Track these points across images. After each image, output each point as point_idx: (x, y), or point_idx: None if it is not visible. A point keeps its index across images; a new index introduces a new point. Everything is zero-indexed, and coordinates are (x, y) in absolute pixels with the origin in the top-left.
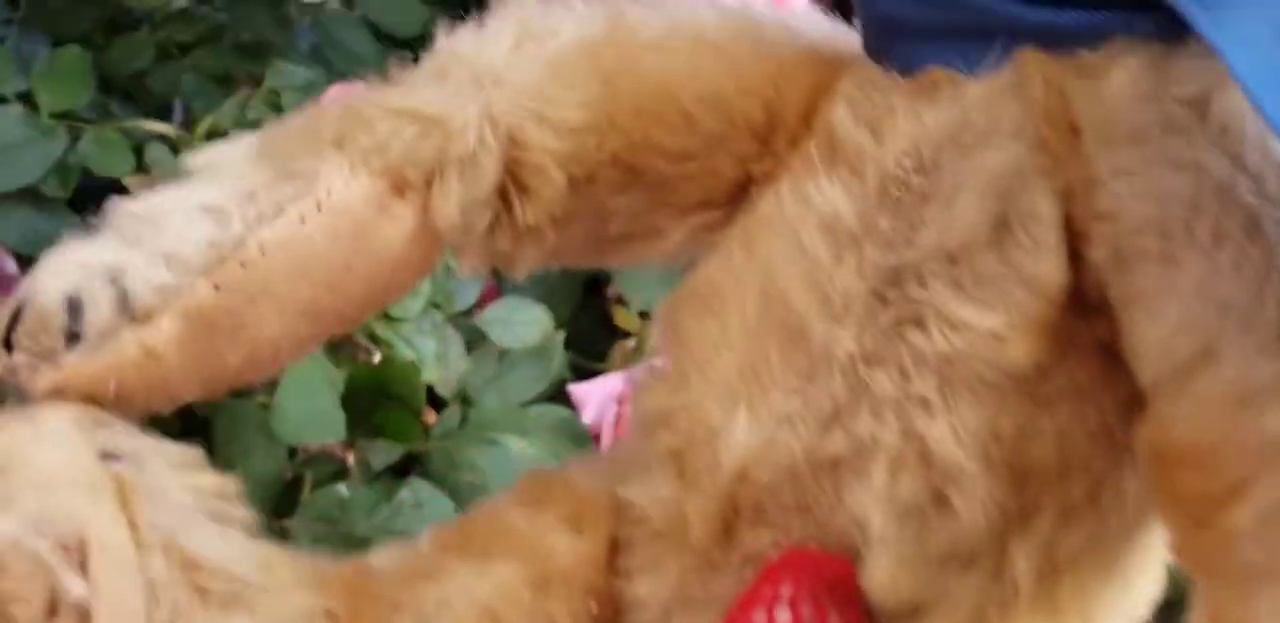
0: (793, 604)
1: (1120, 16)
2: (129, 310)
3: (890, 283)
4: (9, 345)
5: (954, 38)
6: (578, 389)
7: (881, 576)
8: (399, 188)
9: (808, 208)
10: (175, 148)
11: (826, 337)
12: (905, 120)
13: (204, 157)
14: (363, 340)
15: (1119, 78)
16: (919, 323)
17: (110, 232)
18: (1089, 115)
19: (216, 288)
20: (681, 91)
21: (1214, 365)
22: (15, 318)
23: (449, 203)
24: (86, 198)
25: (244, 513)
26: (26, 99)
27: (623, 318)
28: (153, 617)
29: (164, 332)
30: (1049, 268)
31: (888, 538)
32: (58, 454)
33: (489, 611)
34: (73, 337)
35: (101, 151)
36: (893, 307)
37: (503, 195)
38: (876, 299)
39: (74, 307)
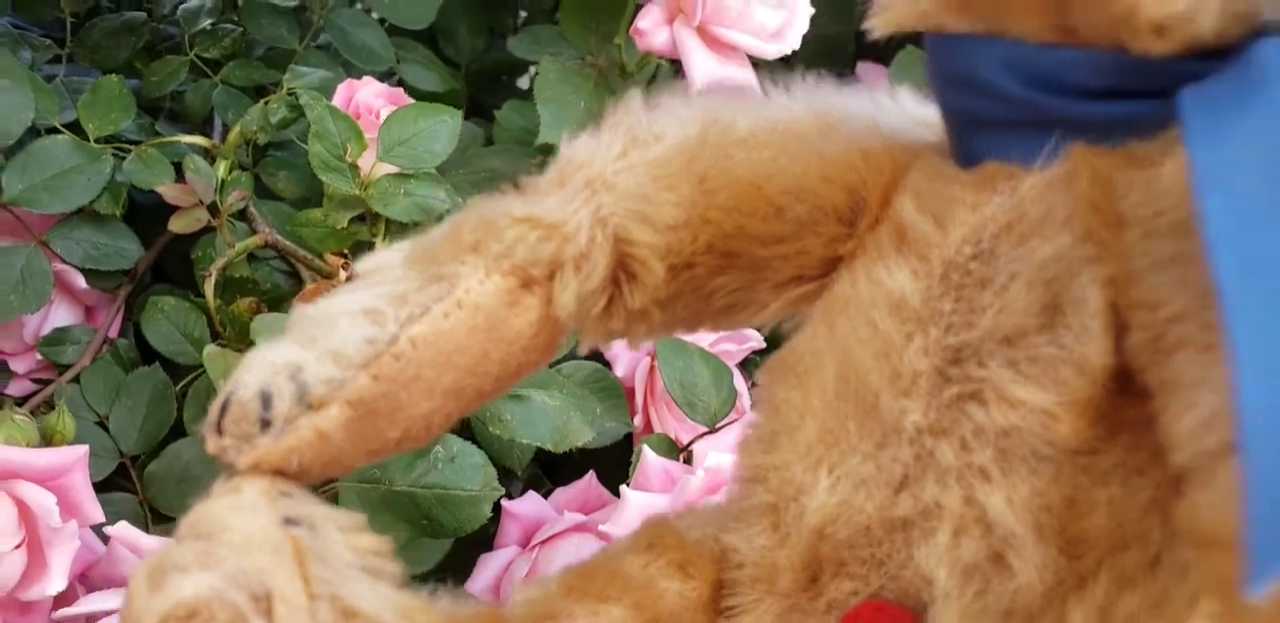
0: None
1: (1174, 106)
2: (306, 401)
3: (952, 362)
4: (220, 431)
5: (1013, 131)
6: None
7: None
8: (526, 284)
9: (879, 290)
10: (212, 158)
11: (896, 409)
12: (966, 210)
13: (368, 263)
14: None
15: (1170, 168)
16: (979, 399)
17: (292, 333)
18: (1136, 206)
19: (375, 378)
20: (769, 184)
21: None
22: (224, 409)
23: (567, 294)
24: (138, 211)
25: (394, 568)
26: (74, 128)
27: None
28: None
29: (333, 418)
30: (1095, 351)
31: (951, 593)
32: (251, 521)
33: None
34: (265, 424)
35: (144, 169)
36: (955, 384)
37: (615, 283)
38: (940, 376)
39: (265, 400)
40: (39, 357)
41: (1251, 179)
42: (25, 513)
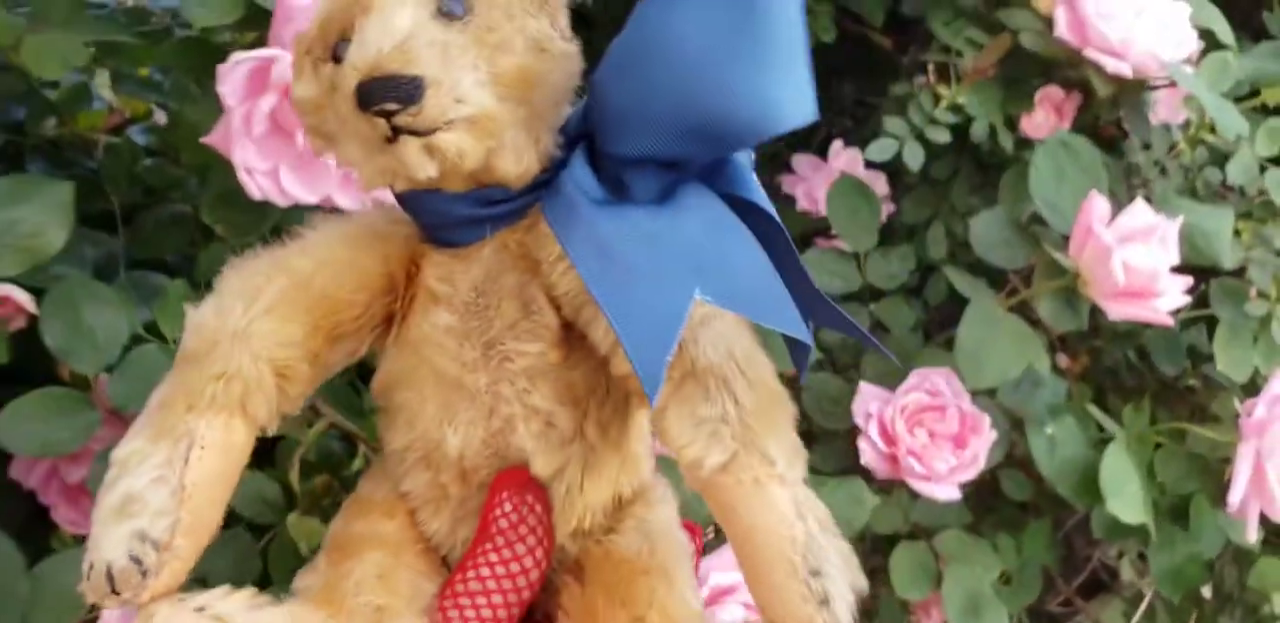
0: (508, 498)
1: (531, 196)
2: (160, 547)
3: (488, 347)
4: (116, 592)
5: (462, 227)
6: None
7: (539, 466)
8: (232, 414)
9: (435, 326)
10: None
11: (471, 381)
12: (461, 273)
13: (120, 452)
14: None
15: (546, 231)
16: (508, 359)
17: (112, 515)
18: (540, 250)
19: (187, 512)
20: (340, 291)
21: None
22: (110, 577)
23: (263, 411)
24: None
25: None
26: (151, 327)
27: None
28: None
29: (180, 547)
30: (551, 320)
31: (535, 450)
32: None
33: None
34: (144, 573)
35: None
36: (494, 357)
37: (280, 386)
38: (485, 356)
39: (137, 560)
40: None
41: (580, 233)
42: None
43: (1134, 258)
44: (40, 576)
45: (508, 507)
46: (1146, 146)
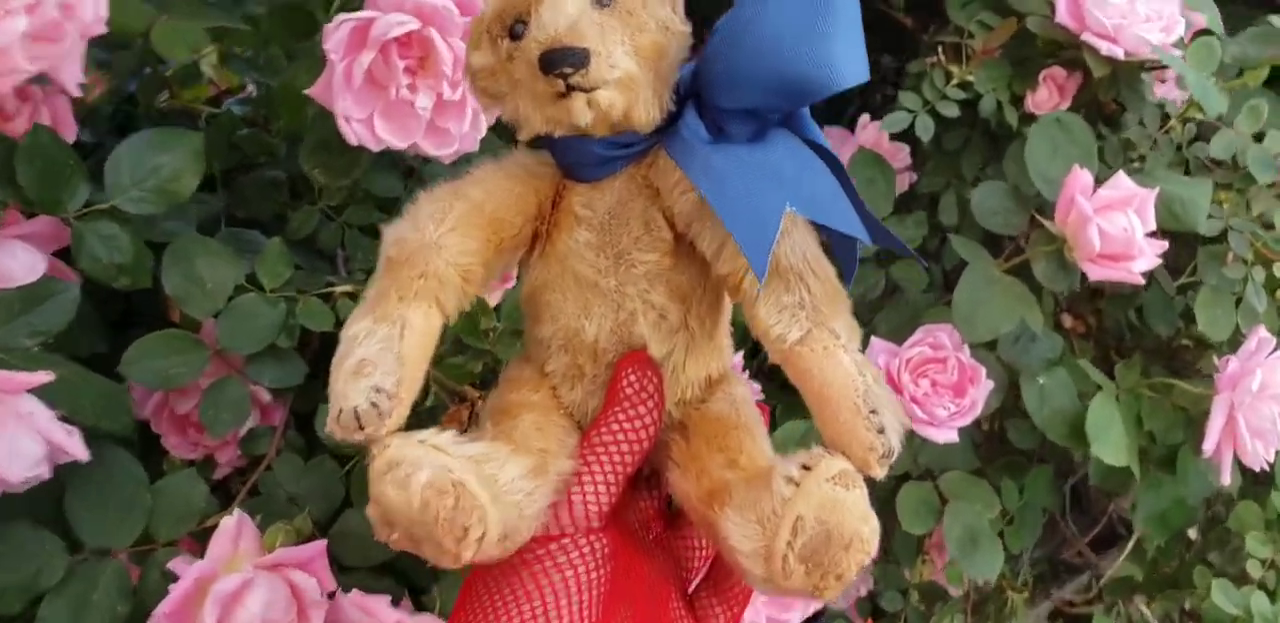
0: (633, 371)
1: (654, 140)
2: (389, 394)
3: (618, 257)
4: (361, 427)
5: (599, 165)
6: None
7: (654, 349)
8: (430, 305)
9: (577, 241)
10: (355, 298)
11: (604, 282)
12: (599, 200)
13: (350, 331)
14: None
15: (670, 163)
16: (632, 265)
17: (351, 372)
18: (661, 178)
19: (406, 373)
20: (504, 211)
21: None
22: (358, 417)
23: (451, 305)
24: (306, 342)
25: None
26: (251, 278)
27: None
28: None
29: (402, 399)
30: (666, 234)
31: (651, 336)
32: (415, 449)
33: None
34: (380, 414)
35: (309, 314)
36: (622, 264)
37: (463, 286)
38: (615, 264)
39: (374, 404)
40: (238, 452)
41: (697, 164)
42: (296, 591)
43: (1110, 225)
44: (160, 490)
45: (633, 378)
46: (1141, 124)
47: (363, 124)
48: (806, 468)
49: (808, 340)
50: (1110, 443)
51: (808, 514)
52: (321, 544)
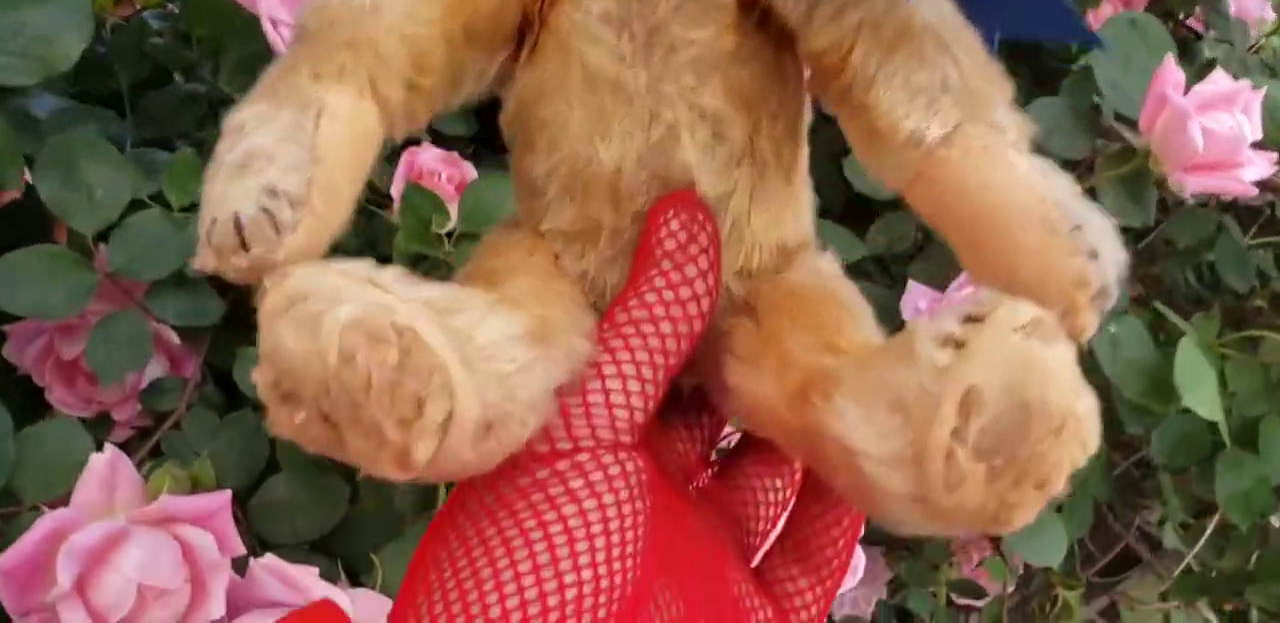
0: (676, 215)
1: None
2: (295, 202)
3: (650, 35)
4: (245, 248)
5: None
6: None
7: (705, 184)
8: (361, 92)
9: (588, 13)
10: None
11: (630, 77)
12: None
13: (236, 118)
14: None
15: None
16: (672, 48)
17: (240, 173)
18: None
19: (321, 173)
20: None
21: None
22: (239, 229)
23: (394, 96)
24: (226, 284)
25: None
26: (156, 198)
27: None
28: None
29: (316, 203)
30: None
31: (701, 165)
32: (329, 277)
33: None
34: (278, 228)
35: None
36: (657, 47)
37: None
38: (646, 48)
39: (267, 212)
40: (138, 407)
41: None
42: (188, 551)
43: (1214, 124)
44: (27, 438)
45: (675, 225)
46: (1228, 42)
47: (291, 28)
48: (974, 320)
49: (958, 138)
50: (1203, 394)
51: (988, 382)
52: (226, 495)
